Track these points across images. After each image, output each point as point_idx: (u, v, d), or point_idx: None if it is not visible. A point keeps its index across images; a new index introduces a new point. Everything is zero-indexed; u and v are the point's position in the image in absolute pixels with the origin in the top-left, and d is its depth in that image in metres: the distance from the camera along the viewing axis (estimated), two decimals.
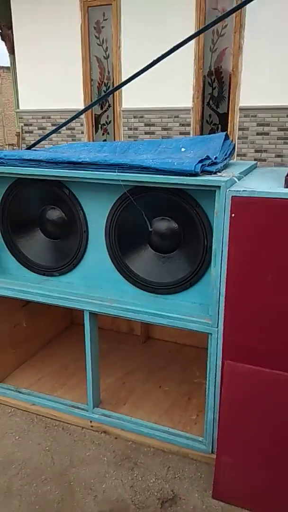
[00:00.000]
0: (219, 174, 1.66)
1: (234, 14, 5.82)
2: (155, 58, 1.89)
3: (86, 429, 2.16)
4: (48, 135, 2.29)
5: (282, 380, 1.62)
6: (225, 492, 1.74)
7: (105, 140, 6.98)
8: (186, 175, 1.60)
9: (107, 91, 6.04)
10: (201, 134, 6.41)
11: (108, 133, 7.02)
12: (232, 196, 1.51)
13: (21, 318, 2.54)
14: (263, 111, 5.93)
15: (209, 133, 6.43)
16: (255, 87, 5.85)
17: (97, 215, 1.94)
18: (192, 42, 5.97)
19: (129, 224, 1.89)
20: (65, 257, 2.10)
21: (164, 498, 1.77)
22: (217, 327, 1.71)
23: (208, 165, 1.68)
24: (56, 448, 2.05)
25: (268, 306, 1.59)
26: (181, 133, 6.36)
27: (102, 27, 6.59)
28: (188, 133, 6.35)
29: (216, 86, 6.18)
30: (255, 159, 6.07)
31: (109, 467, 1.94)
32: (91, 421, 2.15)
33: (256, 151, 5.91)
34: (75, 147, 2.41)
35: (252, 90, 5.89)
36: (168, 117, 6.41)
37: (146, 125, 6.56)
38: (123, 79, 6.48)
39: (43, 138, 2.27)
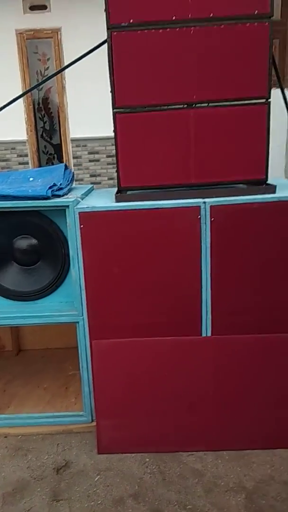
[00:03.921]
0: (66, 196, 2.12)
1: (54, 57, 6.47)
2: None
3: None
4: None
5: (137, 344, 2.14)
6: (107, 446, 2.17)
7: None
8: (40, 199, 2.03)
9: None
10: (39, 163, 6.84)
11: None
12: (79, 212, 1.99)
13: None
14: (92, 141, 6.69)
15: (47, 163, 6.91)
16: (81, 120, 6.57)
17: None
18: (19, 81, 6.39)
19: None
20: None
21: (58, 466, 2.11)
22: (82, 315, 2.16)
23: (56, 190, 2.14)
24: None
25: (118, 291, 2.10)
26: (20, 164, 6.69)
27: None
28: (27, 163, 6.71)
29: (46, 120, 6.72)
30: (91, 183, 6.76)
31: (4, 459, 2.18)
32: None
33: (91, 176, 6.62)
34: None
35: (80, 123, 6.59)
36: (5, 149, 6.68)
37: None
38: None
39: None
